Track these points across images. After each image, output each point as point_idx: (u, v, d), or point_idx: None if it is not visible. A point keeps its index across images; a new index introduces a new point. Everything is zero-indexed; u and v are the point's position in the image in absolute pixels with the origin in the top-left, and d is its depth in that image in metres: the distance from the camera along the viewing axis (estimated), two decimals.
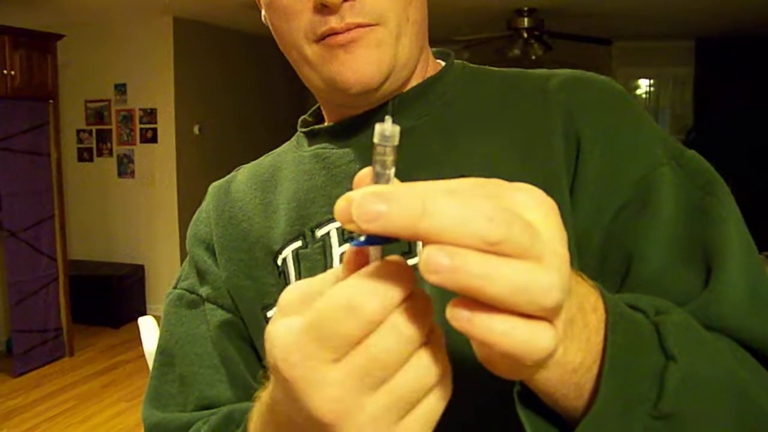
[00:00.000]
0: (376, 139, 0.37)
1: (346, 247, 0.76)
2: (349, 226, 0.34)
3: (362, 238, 0.36)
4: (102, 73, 6.26)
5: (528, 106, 0.78)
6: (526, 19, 5.71)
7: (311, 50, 0.74)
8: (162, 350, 0.87)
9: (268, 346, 0.39)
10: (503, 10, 5.59)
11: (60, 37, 4.90)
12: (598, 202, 0.70)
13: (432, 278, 0.33)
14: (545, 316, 0.35)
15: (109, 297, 5.90)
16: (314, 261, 0.77)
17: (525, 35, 5.82)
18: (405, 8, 0.74)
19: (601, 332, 0.44)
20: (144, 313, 5.75)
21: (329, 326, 0.35)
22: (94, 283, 5.88)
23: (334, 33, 0.72)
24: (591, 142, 0.72)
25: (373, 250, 0.37)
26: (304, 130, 0.89)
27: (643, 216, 0.68)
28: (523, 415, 0.47)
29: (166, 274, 6.14)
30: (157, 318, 1.21)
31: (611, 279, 0.68)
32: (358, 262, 0.38)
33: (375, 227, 0.33)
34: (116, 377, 4.76)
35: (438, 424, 0.39)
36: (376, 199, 0.33)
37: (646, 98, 7.85)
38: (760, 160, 6.80)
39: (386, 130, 0.36)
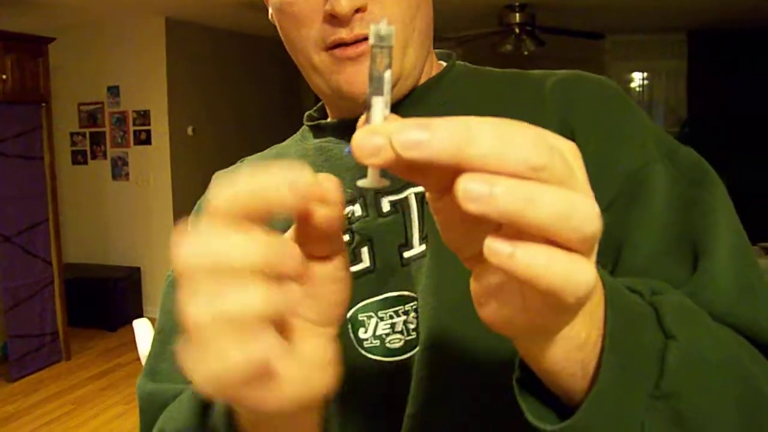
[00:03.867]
0: (371, 41, 0.37)
1: (347, 238, 0.77)
2: (370, 161, 0.34)
3: None
4: (94, 76, 6.24)
5: (525, 106, 0.78)
6: (517, 15, 5.71)
7: (319, 58, 0.75)
8: (159, 330, 0.87)
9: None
10: (494, 6, 5.59)
11: (51, 40, 4.89)
12: None
13: (471, 206, 0.32)
14: (583, 249, 0.35)
15: (105, 300, 5.89)
16: None
17: (517, 30, 5.82)
18: (413, 18, 0.75)
19: (602, 308, 0.44)
20: (141, 316, 5.73)
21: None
22: (90, 286, 5.87)
23: (343, 44, 0.73)
24: (584, 138, 0.72)
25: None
26: (309, 123, 0.91)
27: (633, 209, 0.69)
28: (522, 401, 0.47)
29: (162, 275, 6.11)
30: (152, 320, 1.21)
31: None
32: None
33: (416, 154, 0.32)
34: (113, 380, 4.75)
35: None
36: (418, 127, 0.32)
37: (639, 91, 7.86)
38: (754, 152, 6.82)
39: (381, 29, 0.37)
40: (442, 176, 0.35)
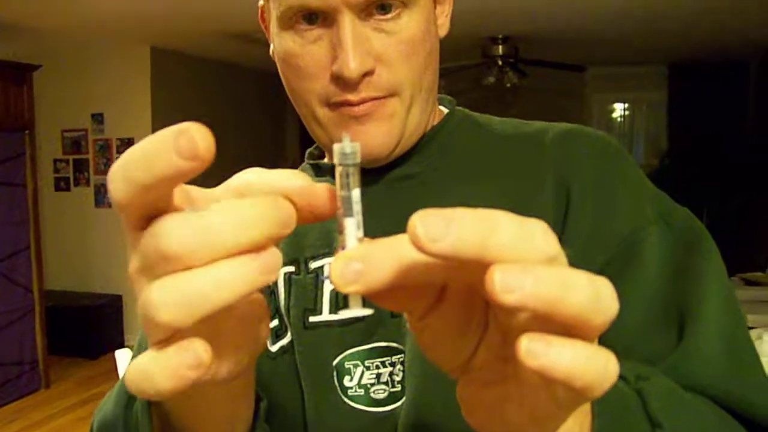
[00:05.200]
0: (336, 160, 0.35)
1: None
2: (350, 289, 0.32)
3: None
4: (79, 103, 6.23)
5: (523, 159, 0.78)
6: (500, 47, 5.77)
7: (323, 113, 0.74)
8: (138, 346, 0.86)
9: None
10: (477, 38, 5.65)
11: (36, 67, 4.87)
12: (583, 258, 0.67)
13: (510, 298, 0.29)
14: (595, 335, 0.32)
15: (86, 328, 5.82)
16: (306, 289, 0.78)
17: (500, 63, 5.88)
18: (420, 78, 0.73)
19: None
20: (122, 344, 5.67)
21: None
22: (71, 314, 5.80)
23: (349, 104, 0.71)
24: (580, 197, 0.72)
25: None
26: (311, 162, 0.89)
27: (624, 274, 0.67)
28: None
29: None
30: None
31: None
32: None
33: (442, 247, 0.29)
34: (93, 409, 4.65)
35: None
36: (442, 218, 0.29)
37: (620, 123, 7.93)
38: (732, 183, 6.89)
39: (345, 147, 0.35)
40: (428, 296, 0.35)
